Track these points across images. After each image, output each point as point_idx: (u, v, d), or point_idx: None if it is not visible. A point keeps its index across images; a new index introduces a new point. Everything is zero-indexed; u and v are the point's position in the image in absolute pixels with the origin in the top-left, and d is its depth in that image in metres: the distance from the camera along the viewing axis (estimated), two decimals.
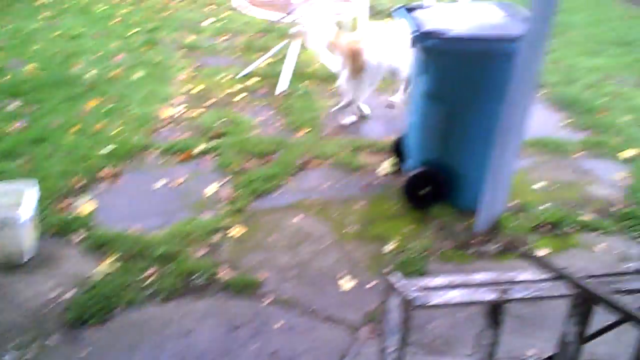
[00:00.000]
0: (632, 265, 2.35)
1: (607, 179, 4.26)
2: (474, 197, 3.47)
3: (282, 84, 5.36)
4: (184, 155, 4.25)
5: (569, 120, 5.18)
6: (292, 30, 5.60)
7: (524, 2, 3.19)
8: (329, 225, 3.56)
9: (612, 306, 1.99)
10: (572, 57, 6.82)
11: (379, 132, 4.68)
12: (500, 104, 3.19)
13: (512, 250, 3.34)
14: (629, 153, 4.58)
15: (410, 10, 3.72)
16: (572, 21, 8.50)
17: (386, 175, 4.12)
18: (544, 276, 2.26)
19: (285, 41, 5.73)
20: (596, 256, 3.40)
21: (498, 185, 3.41)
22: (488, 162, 3.33)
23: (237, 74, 5.65)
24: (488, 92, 3.34)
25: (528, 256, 2.14)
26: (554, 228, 3.61)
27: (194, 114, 4.86)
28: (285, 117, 4.90)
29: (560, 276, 2.12)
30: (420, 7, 3.78)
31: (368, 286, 3.08)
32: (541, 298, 2.21)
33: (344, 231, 3.52)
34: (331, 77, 5.68)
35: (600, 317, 2.02)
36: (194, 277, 3.08)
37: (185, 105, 5.02)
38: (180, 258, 3.20)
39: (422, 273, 3.16)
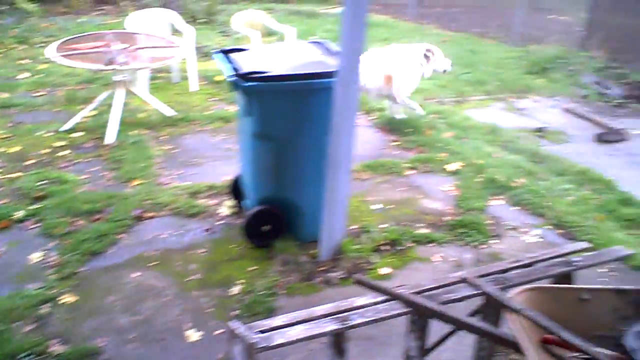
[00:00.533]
0: (460, 274, 2.45)
1: (438, 192, 4.51)
2: (315, 227, 3.49)
3: (110, 135, 5.08)
4: (2, 224, 3.83)
5: (399, 141, 5.45)
6: (115, 78, 5.35)
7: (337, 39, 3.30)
8: (171, 277, 3.37)
9: (443, 318, 2.05)
10: None
11: (217, 173, 4.57)
12: (326, 134, 3.25)
13: (356, 273, 3.38)
14: (453, 166, 4.89)
15: (229, 52, 3.70)
16: None
17: (226, 217, 4.01)
18: (380, 298, 2.29)
19: (110, 91, 5.47)
20: (434, 266, 3.55)
21: (335, 213, 3.46)
22: (322, 192, 3.37)
23: (59, 129, 5.27)
24: (312, 125, 3.39)
25: (361, 282, 2.14)
26: (394, 246, 3.72)
27: (11, 178, 4.43)
28: (115, 169, 4.62)
29: (394, 296, 2.14)
30: (240, 49, 3.78)
31: (215, 334, 2.94)
32: (380, 320, 2.24)
33: (186, 280, 3.35)
34: (163, 122, 5.51)
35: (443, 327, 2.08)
36: (20, 358, 2.74)
37: (0, 169, 4.57)
38: (3, 338, 2.84)
39: (270, 311, 3.07)
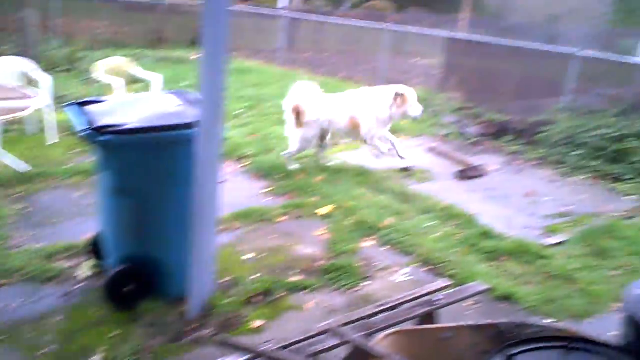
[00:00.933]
0: (327, 323, 2.42)
1: (310, 238, 4.51)
2: (183, 284, 3.33)
3: None
4: None
5: (271, 188, 5.43)
6: None
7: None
8: (21, 352, 3.05)
9: None
10: (267, 128, 7.29)
11: (76, 232, 4.26)
12: (188, 187, 3.14)
13: (227, 329, 3.25)
14: (324, 210, 4.94)
15: (85, 104, 3.50)
16: (264, 94, 9.16)
17: (86, 279, 3.73)
18: (245, 357, 2.19)
19: None
20: (308, 315, 3.50)
21: (203, 267, 3.33)
22: (188, 246, 3.24)
23: None
24: (173, 178, 3.27)
25: (224, 343, 2.05)
26: (266, 296, 3.64)
27: None
28: None
29: (257, 354, 2.06)
30: (96, 101, 3.59)
31: None
32: None
33: (39, 354, 3.04)
34: (15, 179, 5.10)
35: None
36: None
37: None
38: None
39: None
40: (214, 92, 3.07)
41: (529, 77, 8.77)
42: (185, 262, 3.28)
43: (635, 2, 24.35)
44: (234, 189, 5.19)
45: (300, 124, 5.86)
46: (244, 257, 4.13)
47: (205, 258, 3.33)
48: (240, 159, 6.15)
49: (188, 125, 3.16)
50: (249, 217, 4.75)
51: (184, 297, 3.38)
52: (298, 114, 5.85)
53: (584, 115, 7.60)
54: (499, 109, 8.32)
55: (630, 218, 5.29)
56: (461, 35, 11.76)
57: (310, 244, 4.41)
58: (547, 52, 8.66)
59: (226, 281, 3.73)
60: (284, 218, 4.83)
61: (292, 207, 4.99)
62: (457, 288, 2.78)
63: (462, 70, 9.62)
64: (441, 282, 2.86)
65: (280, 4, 16.86)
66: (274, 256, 4.18)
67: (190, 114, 3.30)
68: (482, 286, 2.79)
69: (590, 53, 8.14)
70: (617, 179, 6.25)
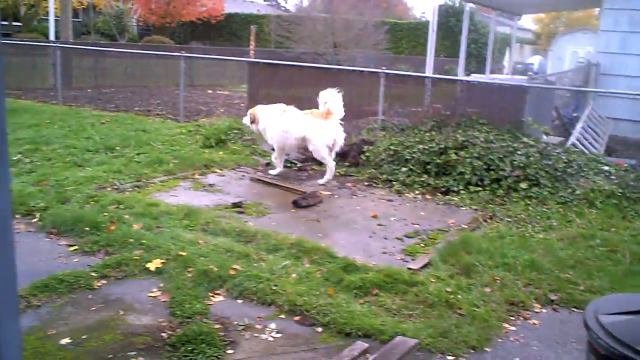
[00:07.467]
0: None
1: (144, 302, 3.52)
2: None
3: None
4: None
5: (76, 246, 4.28)
6: None
7: None
8: None
9: None
10: (58, 173, 5.99)
11: None
12: None
13: None
14: (155, 263, 3.97)
15: None
16: (45, 135, 7.73)
17: None
18: None
19: None
20: None
21: None
22: None
23: None
24: None
25: None
26: None
27: None
28: None
29: None
30: None
31: None
32: None
33: None
34: None
35: None
36: None
37: None
38: None
39: None
40: None
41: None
42: None
43: (400, 32, 26.72)
44: (26, 253, 4.00)
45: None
46: (62, 342, 3.02)
47: (7, 348, 2.22)
48: (28, 213, 4.86)
49: None
50: (56, 287, 3.59)
51: None
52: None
53: (397, 133, 7.59)
54: None
55: (475, 229, 5.16)
56: (265, 60, 11.38)
57: (147, 310, 3.43)
58: (355, 73, 8.60)
59: None
60: (103, 282, 3.76)
61: (112, 267, 3.93)
62: (382, 349, 2.12)
63: (268, 97, 9.20)
64: (358, 345, 2.18)
65: (52, 36, 15.05)
66: (101, 335, 3.13)
67: None
68: (409, 342, 2.18)
69: (392, 72, 8.24)
70: (447, 191, 6.19)
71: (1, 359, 2.17)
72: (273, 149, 6.85)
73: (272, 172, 6.68)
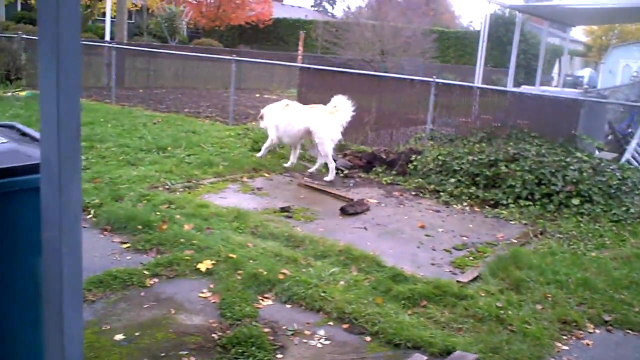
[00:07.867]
0: None
1: (195, 302, 3.58)
2: None
3: None
4: None
5: (129, 243, 4.38)
6: None
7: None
8: None
9: None
10: (112, 171, 6.14)
11: None
12: (36, 255, 2.11)
13: None
14: (206, 264, 4.03)
15: None
16: (100, 134, 7.94)
17: None
18: None
19: None
20: None
21: (66, 355, 2.28)
22: (40, 335, 2.19)
23: None
24: (11, 243, 2.21)
25: None
26: None
27: None
28: None
29: None
30: None
31: None
32: None
33: None
34: None
35: None
36: None
37: None
38: None
39: None
40: (69, 126, 2.09)
41: (388, 108, 8.59)
42: (39, 355, 2.21)
43: (447, 41, 26.51)
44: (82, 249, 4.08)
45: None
46: (116, 337, 3.09)
47: (69, 348, 2.29)
48: (83, 209, 4.98)
49: (29, 169, 2.14)
50: (110, 283, 3.67)
51: None
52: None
53: (446, 143, 7.52)
54: (362, 140, 7.99)
55: (524, 244, 5.07)
56: (314, 65, 11.45)
57: (197, 310, 3.48)
58: (405, 81, 8.57)
59: None
60: (154, 280, 3.84)
61: (164, 265, 4.00)
62: None
63: (317, 103, 9.25)
64: (417, 358, 2.17)
65: (107, 36, 15.46)
66: (153, 333, 3.19)
67: (29, 154, 2.27)
68: (468, 356, 2.15)
69: (443, 81, 8.18)
70: (496, 204, 6.10)
71: (64, 353, 2.24)
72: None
73: (327, 178, 6.73)
